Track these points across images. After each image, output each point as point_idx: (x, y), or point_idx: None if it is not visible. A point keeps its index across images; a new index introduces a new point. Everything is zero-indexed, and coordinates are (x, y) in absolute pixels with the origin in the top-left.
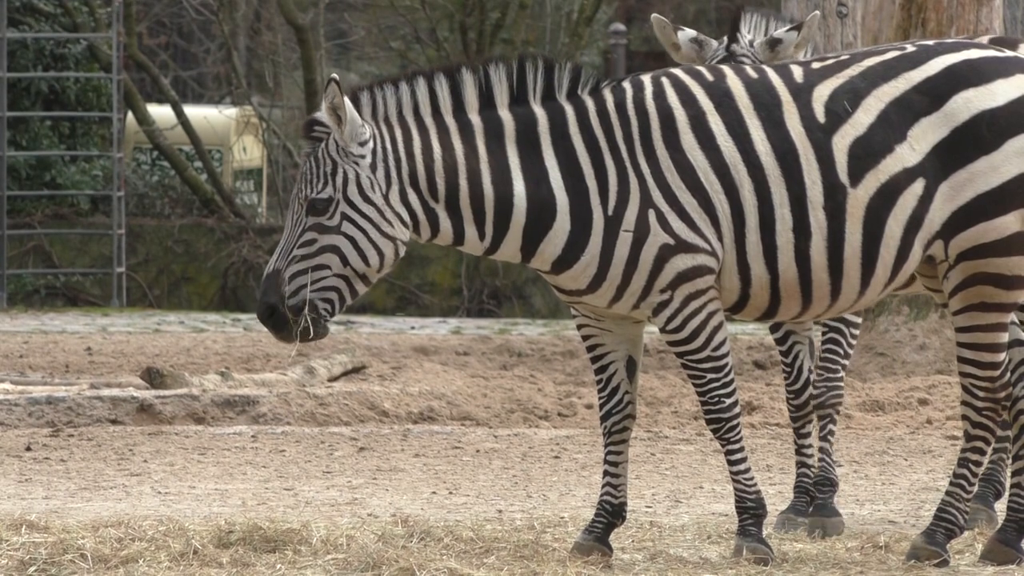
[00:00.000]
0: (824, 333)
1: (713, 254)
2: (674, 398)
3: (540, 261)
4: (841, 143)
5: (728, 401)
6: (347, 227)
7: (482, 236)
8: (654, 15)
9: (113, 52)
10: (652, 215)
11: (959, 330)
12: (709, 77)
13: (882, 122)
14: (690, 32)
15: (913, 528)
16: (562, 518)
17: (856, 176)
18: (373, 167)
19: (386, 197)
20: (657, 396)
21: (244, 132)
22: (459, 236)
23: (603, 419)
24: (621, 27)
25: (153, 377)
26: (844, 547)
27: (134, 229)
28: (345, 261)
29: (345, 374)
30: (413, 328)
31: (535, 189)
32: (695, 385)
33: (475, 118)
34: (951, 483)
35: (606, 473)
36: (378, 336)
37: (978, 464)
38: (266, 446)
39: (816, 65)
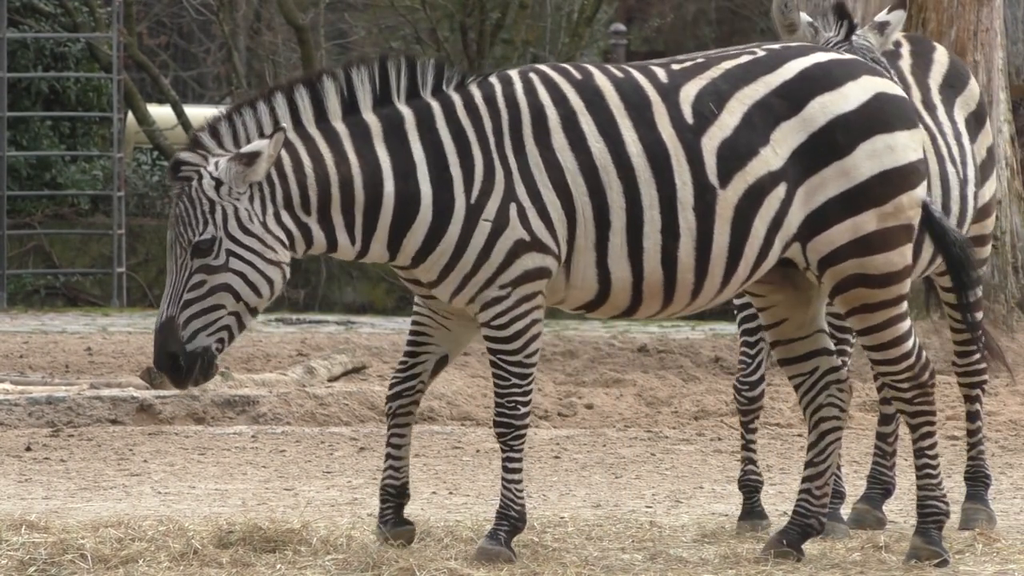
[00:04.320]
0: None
1: (558, 257)
2: (674, 398)
3: (403, 256)
4: (709, 144)
5: (523, 410)
6: (234, 263)
7: (353, 241)
8: None
9: (113, 52)
10: (513, 209)
11: (857, 333)
12: (577, 75)
13: (746, 124)
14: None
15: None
16: (562, 518)
17: (724, 177)
18: (251, 198)
19: (264, 224)
20: (657, 396)
21: None
22: (332, 244)
23: (391, 399)
24: (621, 27)
25: (153, 377)
26: (844, 547)
27: (134, 229)
28: (238, 297)
29: (345, 374)
30: None
31: (404, 186)
32: (497, 386)
33: (339, 125)
34: (919, 478)
35: (388, 456)
36: (378, 336)
37: (932, 447)
38: (266, 446)
39: (676, 66)
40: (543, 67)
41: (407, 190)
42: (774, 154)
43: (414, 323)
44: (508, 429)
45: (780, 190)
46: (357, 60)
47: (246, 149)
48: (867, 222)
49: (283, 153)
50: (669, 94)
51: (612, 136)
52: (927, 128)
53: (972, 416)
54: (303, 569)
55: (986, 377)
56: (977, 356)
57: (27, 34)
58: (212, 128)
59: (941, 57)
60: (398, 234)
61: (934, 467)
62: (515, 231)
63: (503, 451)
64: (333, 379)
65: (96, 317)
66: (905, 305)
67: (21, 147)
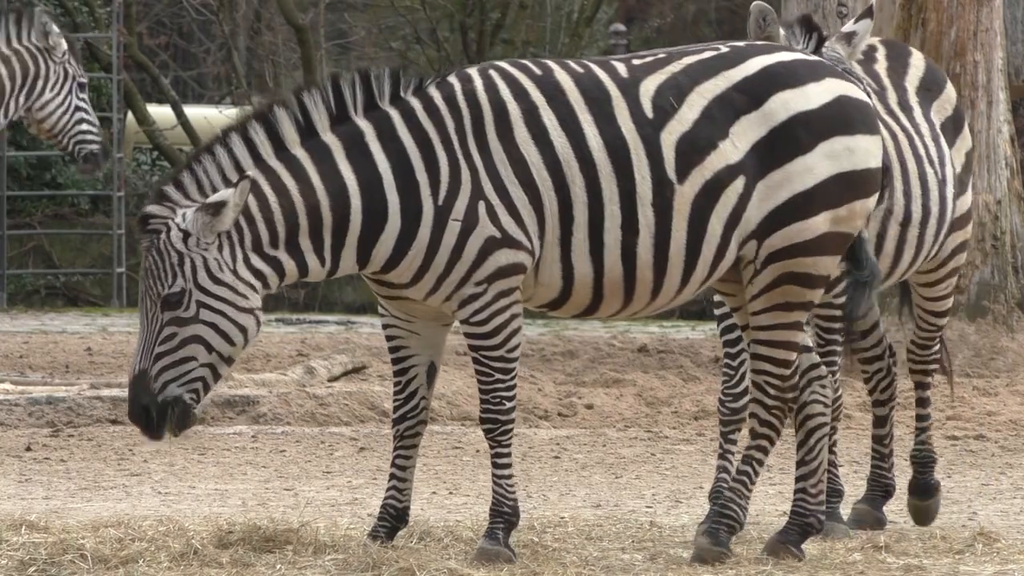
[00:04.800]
0: (821, 346)
1: (532, 253)
2: (674, 398)
3: (373, 265)
4: (669, 139)
5: (508, 404)
6: (205, 314)
7: (323, 262)
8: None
9: (113, 52)
10: (482, 207)
11: (758, 329)
12: (537, 71)
13: (706, 118)
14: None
15: (914, 527)
16: (562, 518)
17: (683, 172)
18: (220, 248)
19: (235, 272)
20: (657, 396)
21: None
22: (303, 270)
23: (396, 422)
24: (621, 27)
25: None
26: (844, 547)
27: (134, 229)
28: (210, 348)
29: (345, 374)
30: None
31: (370, 199)
32: (480, 383)
33: (299, 151)
34: (734, 480)
35: (392, 477)
36: (378, 336)
37: (761, 463)
38: (266, 446)
39: (637, 61)
40: (502, 63)
41: (374, 202)
42: (733, 147)
43: (388, 339)
44: (495, 425)
45: (738, 184)
46: (309, 83)
47: (212, 199)
48: (821, 223)
49: (248, 195)
50: (629, 88)
51: (573, 130)
52: (904, 129)
53: (924, 402)
54: (303, 569)
55: (936, 367)
56: (935, 349)
57: None
58: (175, 180)
59: (917, 61)
60: (368, 245)
61: (753, 480)
62: (485, 228)
63: (491, 447)
64: (333, 379)
65: (96, 317)
66: (806, 316)
67: (21, 147)
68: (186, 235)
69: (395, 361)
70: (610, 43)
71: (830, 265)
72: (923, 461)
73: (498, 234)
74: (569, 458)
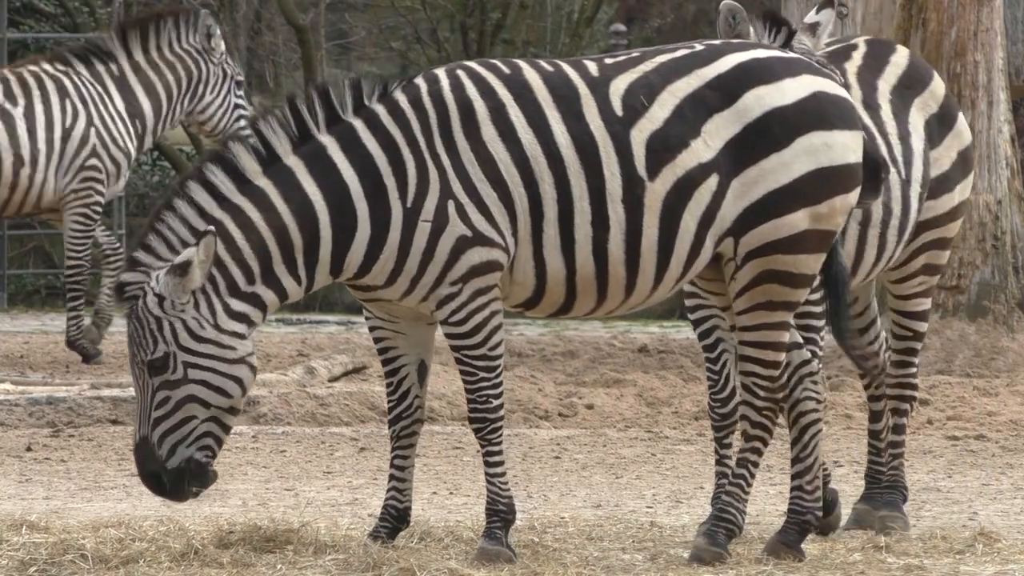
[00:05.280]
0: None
1: (506, 250)
2: (674, 398)
3: (347, 272)
4: (639, 136)
5: (495, 402)
6: (194, 373)
7: (299, 282)
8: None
9: None
10: (452, 206)
11: (743, 329)
12: (505, 69)
13: (677, 117)
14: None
15: (915, 528)
16: (562, 518)
17: (653, 169)
18: (196, 305)
19: (216, 326)
20: (657, 396)
21: None
22: (282, 295)
23: (392, 423)
24: (621, 27)
25: None
26: (844, 547)
27: (134, 229)
28: (207, 404)
29: (345, 374)
30: None
31: (338, 212)
32: (466, 382)
33: (262, 181)
34: (731, 483)
35: (392, 478)
36: None
37: (756, 465)
38: (266, 446)
39: (609, 60)
40: (471, 63)
41: (342, 213)
42: (705, 146)
43: (376, 341)
44: (483, 424)
45: (711, 182)
46: (263, 112)
47: (177, 261)
48: (800, 220)
49: (215, 241)
50: (599, 87)
51: (541, 127)
52: (866, 128)
53: (899, 429)
54: (303, 569)
55: (917, 395)
56: (914, 370)
57: (27, 34)
58: (143, 244)
59: (899, 59)
60: (340, 255)
61: (749, 482)
62: (456, 228)
63: (482, 446)
64: (333, 379)
65: None
66: (792, 316)
67: None
68: (160, 299)
69: (385, 362)
70: (610, 43)
71: (812, 263)
72: (892, 484)
73: (469, 232)
74: (569, 458)
